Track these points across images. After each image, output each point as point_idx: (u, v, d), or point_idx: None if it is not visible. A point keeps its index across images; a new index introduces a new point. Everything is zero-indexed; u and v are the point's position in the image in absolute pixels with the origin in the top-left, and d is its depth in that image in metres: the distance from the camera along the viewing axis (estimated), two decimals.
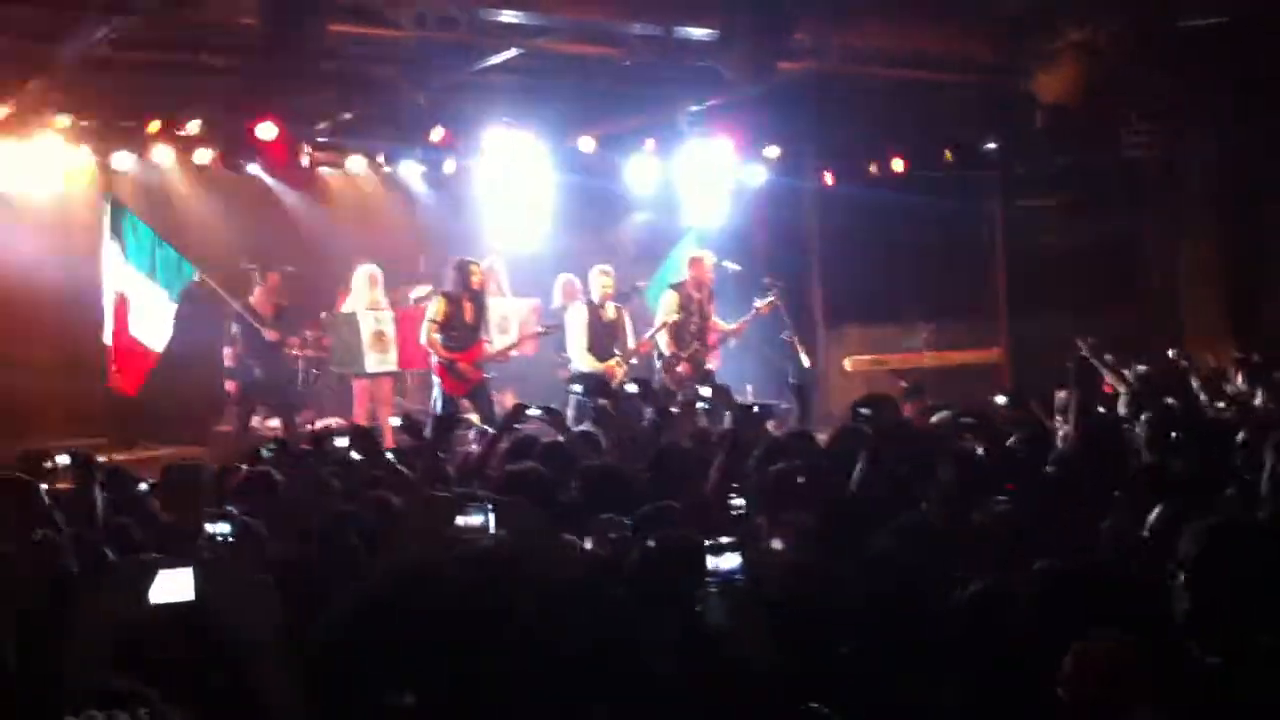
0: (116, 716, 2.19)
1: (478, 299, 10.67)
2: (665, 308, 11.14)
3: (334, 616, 3.66)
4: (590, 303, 11.14)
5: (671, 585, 3.69)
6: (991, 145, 13.50)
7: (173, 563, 2.84)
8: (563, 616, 3.40)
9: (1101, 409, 7.80)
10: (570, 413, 8.68)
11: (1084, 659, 2.96)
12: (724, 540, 3.67)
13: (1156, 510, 4.19)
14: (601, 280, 11.11)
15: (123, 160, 11.69)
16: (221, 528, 4.04)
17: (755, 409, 6.70)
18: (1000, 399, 7.66)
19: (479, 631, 3.48)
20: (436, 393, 10.60)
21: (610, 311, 11.11)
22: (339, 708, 3.35)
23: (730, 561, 3.58)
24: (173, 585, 2.79)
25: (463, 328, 10.48)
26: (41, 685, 2.79)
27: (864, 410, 5.52)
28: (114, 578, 3.14)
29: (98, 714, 2.19)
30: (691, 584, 3.56)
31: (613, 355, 10.96)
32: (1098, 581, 3.51)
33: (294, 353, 11.91)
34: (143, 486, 5.94)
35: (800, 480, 5.02)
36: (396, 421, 8.57)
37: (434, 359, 10.56)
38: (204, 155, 11.85)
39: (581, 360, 10.95)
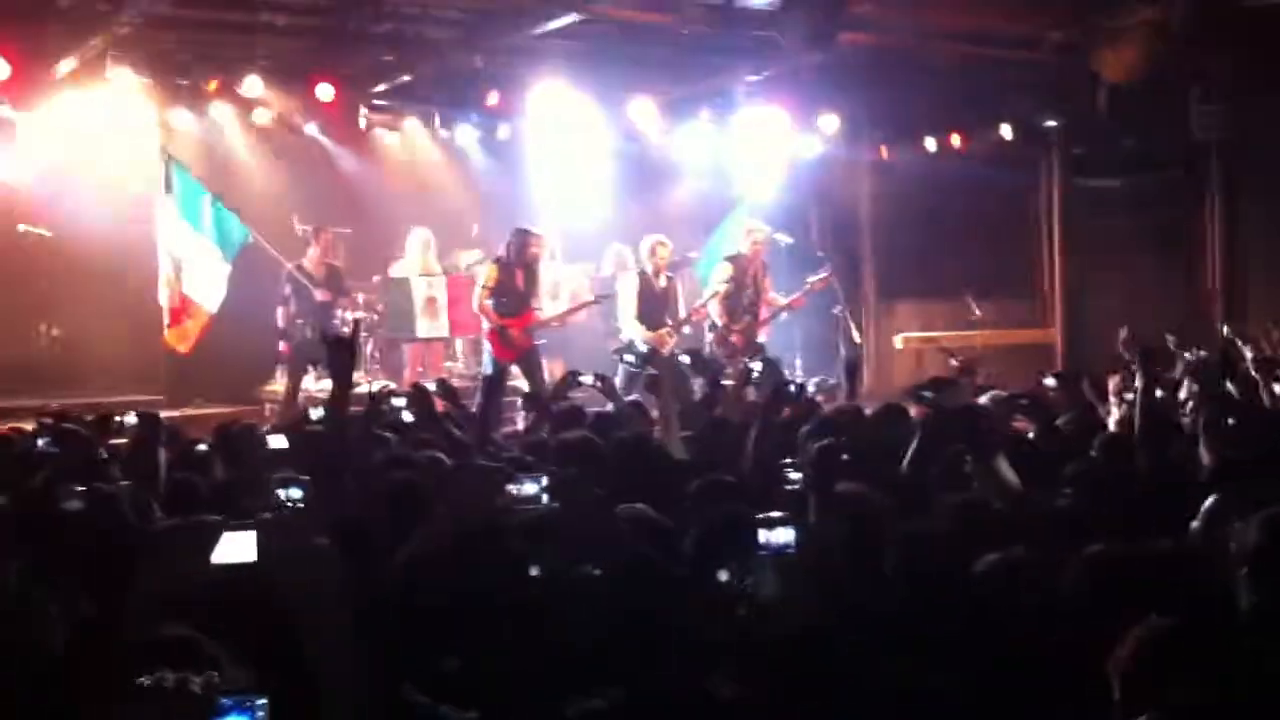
0: (188, 679, 2.20)
1: (531, 268, 10.65)
2: (718, 278, 11.08)
3: (386, 582, 3.69)
4: (642, 271, 11.09)
5: (725, 558, 3.68)
6: (1052, 123, 13.33)
7: (236, 525, 2.88)
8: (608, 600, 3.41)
9: (1160, 393, 7.70)
10: (620, 382, 8.67)
11: (1132, 641, 2.92)
12: (776, 515, 3.69)
13: (1211, 498, 4.13)
14: (657, 250, 11.04)
15: (181, 118, 11.77)
16: (292, 492, 4.07)
17: (790, 386, 6.65)
18: (1050, 380, 7.59)
19: (531, 605, 3.50)
20: (487, 359, 10.63)
21: (662, 281, 11.06)
22: (388, 671, 3.38)
23: (783, 536, 3.58)
24: (236, 547, 2.84)
25: (514, 294, 10.47)
26: (107, 636, 2.84)
27: (926, 393, 5.46)
28: (177, 537, 3.19)
29: (169, 675, 2.19)
30: (744, 557, 3.55)
31: (663, 325, 10.93)
32: (1149, 568, 3.46)
33: (346, 315, 11.94)
34: (201, 446, 6.01)
35: (846, 457, 4.98)
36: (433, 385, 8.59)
37: (485, 325, 10.58)
38: (262, 115, 11.93)
39: (632, 329, 10.92)
